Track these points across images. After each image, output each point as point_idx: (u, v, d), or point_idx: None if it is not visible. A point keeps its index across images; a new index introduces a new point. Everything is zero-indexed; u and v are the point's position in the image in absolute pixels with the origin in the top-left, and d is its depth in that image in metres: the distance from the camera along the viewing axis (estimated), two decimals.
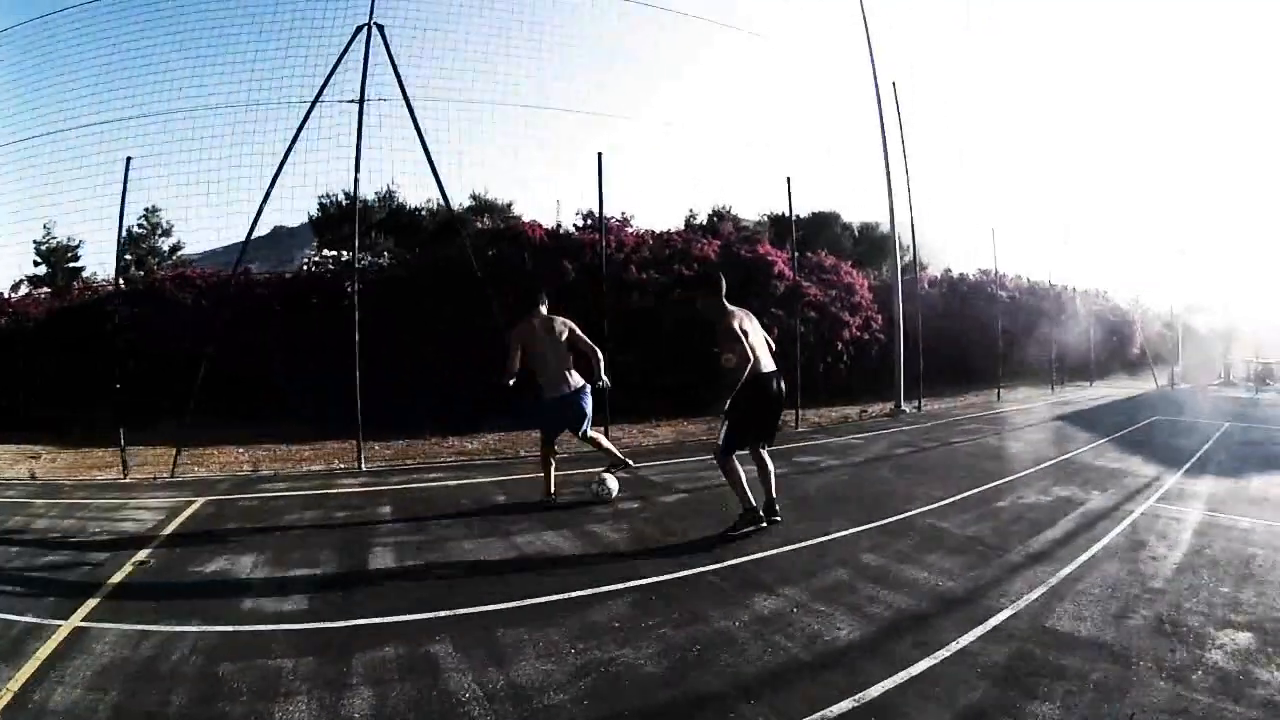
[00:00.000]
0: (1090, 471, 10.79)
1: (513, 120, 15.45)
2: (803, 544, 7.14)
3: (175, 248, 24.51)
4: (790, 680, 4.43)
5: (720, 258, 19.82)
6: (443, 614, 5.34)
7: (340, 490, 10.06)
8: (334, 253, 21.19)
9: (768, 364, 7.52)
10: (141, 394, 13.02)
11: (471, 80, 14.75)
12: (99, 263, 22.36)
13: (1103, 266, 43.51)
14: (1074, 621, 5.20)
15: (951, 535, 7.49)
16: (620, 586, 5.91)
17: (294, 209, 18.31)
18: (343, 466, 11.81)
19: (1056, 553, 6.85)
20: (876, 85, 19.65)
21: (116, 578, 6.30)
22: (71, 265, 23.20)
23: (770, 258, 20.46)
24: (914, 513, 8.36)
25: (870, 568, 6.48)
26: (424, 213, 22.70)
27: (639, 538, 7.46)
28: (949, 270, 29.31)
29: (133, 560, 6.77)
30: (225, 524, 8.28)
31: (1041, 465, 11.26)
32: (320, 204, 22.52)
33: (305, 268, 20.38)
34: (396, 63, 12.92)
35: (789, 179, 16.17)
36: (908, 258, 28.01)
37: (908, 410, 18.64)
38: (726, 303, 7.48)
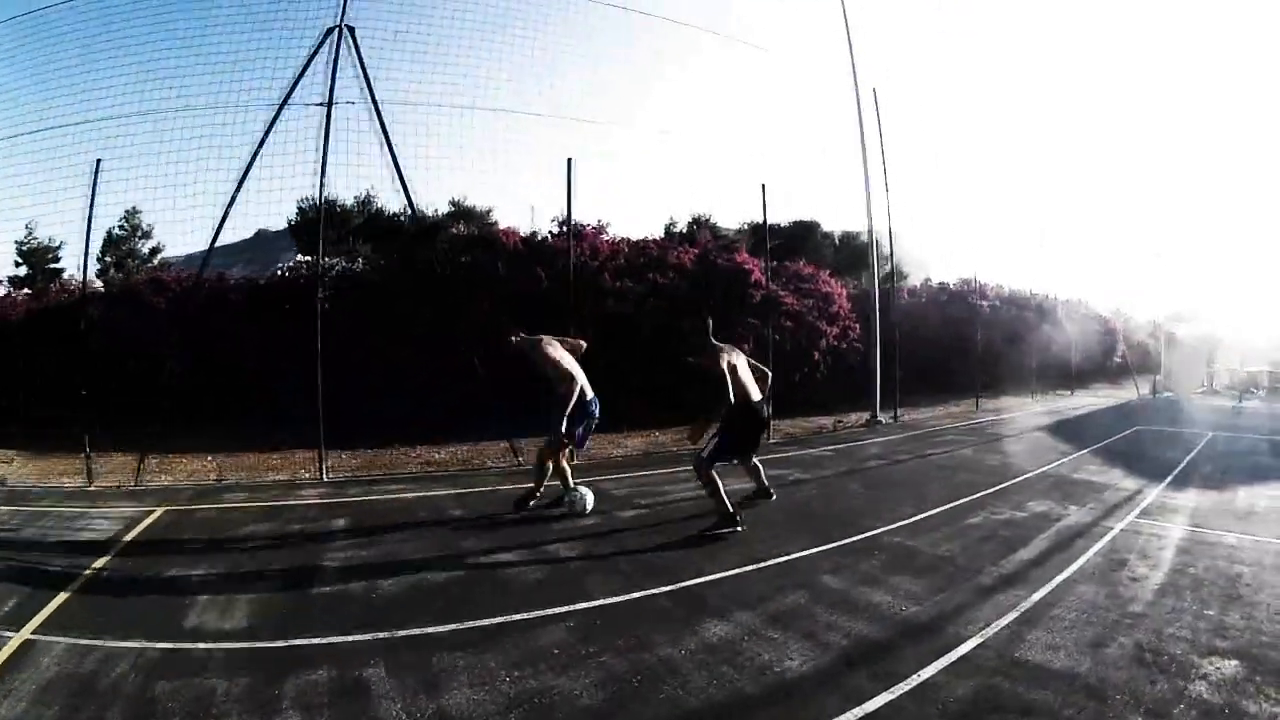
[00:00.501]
0: (1069, 485, 10.50)
1: (492, 126, 15.54)
2: (762, 564, 6.80)
3: (155, 249, 24.41)
4: (733, 716, 4.13)
5: (695, 266, 19.86)
6: (381, 636, 5.17)
7: (299, 502, 9.81)
8: (308, 258, 20.63)
9: (756, 392, 8.05)
10: (113, 399, 12.94)
11: (449, 85, 14.43)
12: (80, 264, 22.16)
13: (1085, 276, 43.57)
14: (1047, 651, 4.86)
15: (920, 555, 7.13)
16: (566, 609, 5.65)
17: (279, 213, 17.94)
18: (307, 476, 11.60)
19: (1030, 574, 6.50)
20: (857, 92, 19.48)
21: (69, 590, 6.22)
22: (52, 266, 23.02)
23: (747, 266, 20.30)
24: (882, 530, 8.01)
25: (831, 591, 6.13)
26: (403, 218, 22.26)
27: (592, 556, 7.14)
28: (928, 280, 29.42)
29: (87, 571, 6.72)
30: (181, 535, 8.12)
31: (1018, 478, 10.94)
32: (299, 209, 22.05)
33: (280, 273, 19.97)
34: (366, 66, 12.66)
35: (763, 186, 15.94)
36: (888, 267, 28.04)
37: (884, 421, 18.37)
38: (714, 341, 7.95)
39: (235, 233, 12.49)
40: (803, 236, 28.75)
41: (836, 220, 29.40)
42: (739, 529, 7.74)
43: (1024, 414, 21.42)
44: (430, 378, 15.37)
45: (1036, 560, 6.87)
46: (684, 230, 26.01)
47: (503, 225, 20.51)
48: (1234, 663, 4.66)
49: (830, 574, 6.53)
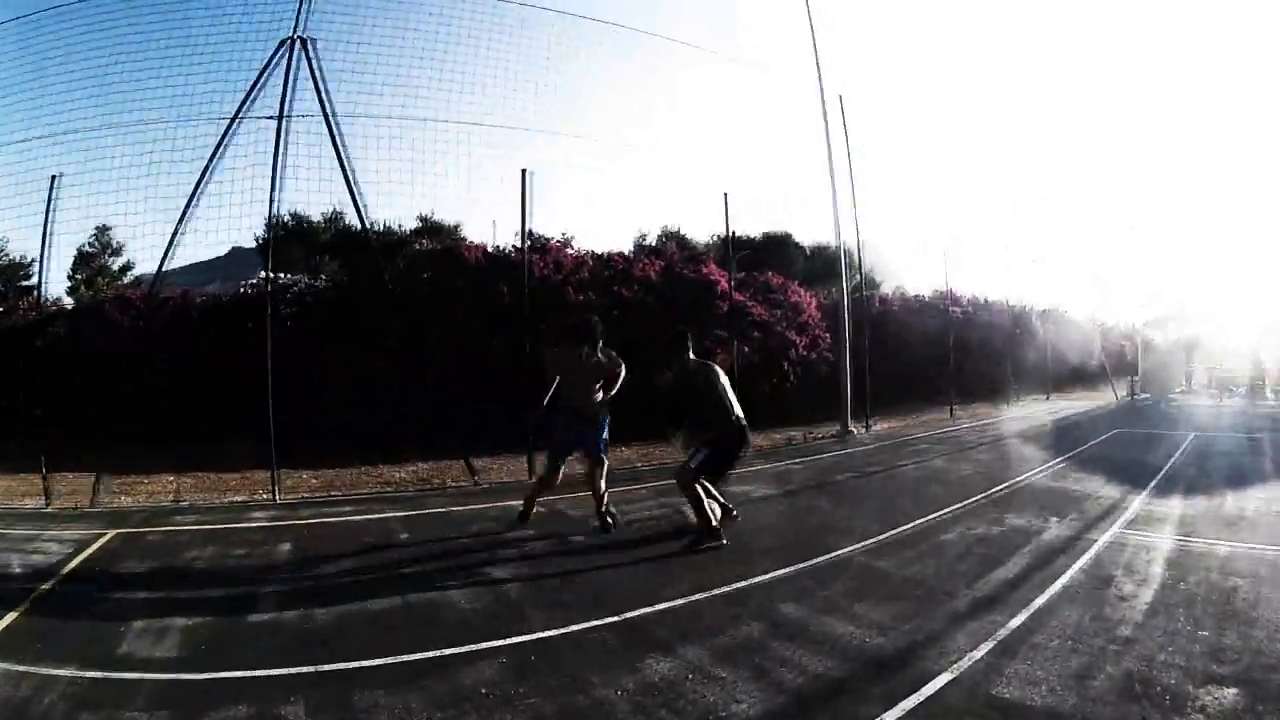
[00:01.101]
0: (1048, 496, 10.09)
1: (462, 140, 14.71)
2: (716, 591, 6.28)
3: (126, 266, 23.63)
4: None
5: (662, 279, 19.63)
6: (305, 670, 4.88)
7: (248, 525, 9.52)
8: (273, 275, 20.26)
9: (738, 409, 7.96)
10: (79, 417, 13.07)
11: (410, 98, 14.36)
12: (40, 280, 21.70)
13: (1062, 282, 43.44)
14: (1026, 686, 4.39)
15: (888, 577, 6.67)
16: (502, 644, 5.23)
17: (251, 228, 17.68)
18: (263, 497, 11.23)
19: (1008, 596, 6.04)
20: (823, 98, 19.35)
21: (13, 614, 6.05)
22: (25, 284, 21.89)
23: (713, 278, 20.07)
24: (849, 550, 7.53)
25: (789, 621, 5.64)
26: (370, 233, 21.84)
27: (538, 584, 6.76)
28: (900, 288, 29.18)
29: (33, 595, 6.58)
30: (127, 560, 7.90)
31: (994, 490, 10.49)
32: (266, 225, 21.64)
33: (243, 290, 19.60)
34: (322, 79, 12.61)
35: (725, 195, 15.79)
36: (859, 277, 27.79)
37: (856, 432, 18.00)
38: (691, 357, 8.11)
39: (210, 249, 13.13)
40: (774, 248, 28.42)
41: (809, 231, 29.04)
42: (722, 543, 7.56)
43: (1000, 421, 21.15)
44: (402, 390, 15.13)
45: (1015, 580, 6.43)
46: (654, 243, 25.73)
47: (475, 240, 20.23)
48: (1233, 691, 4.25)
49: (791, 601, 6.04)
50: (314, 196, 13.20)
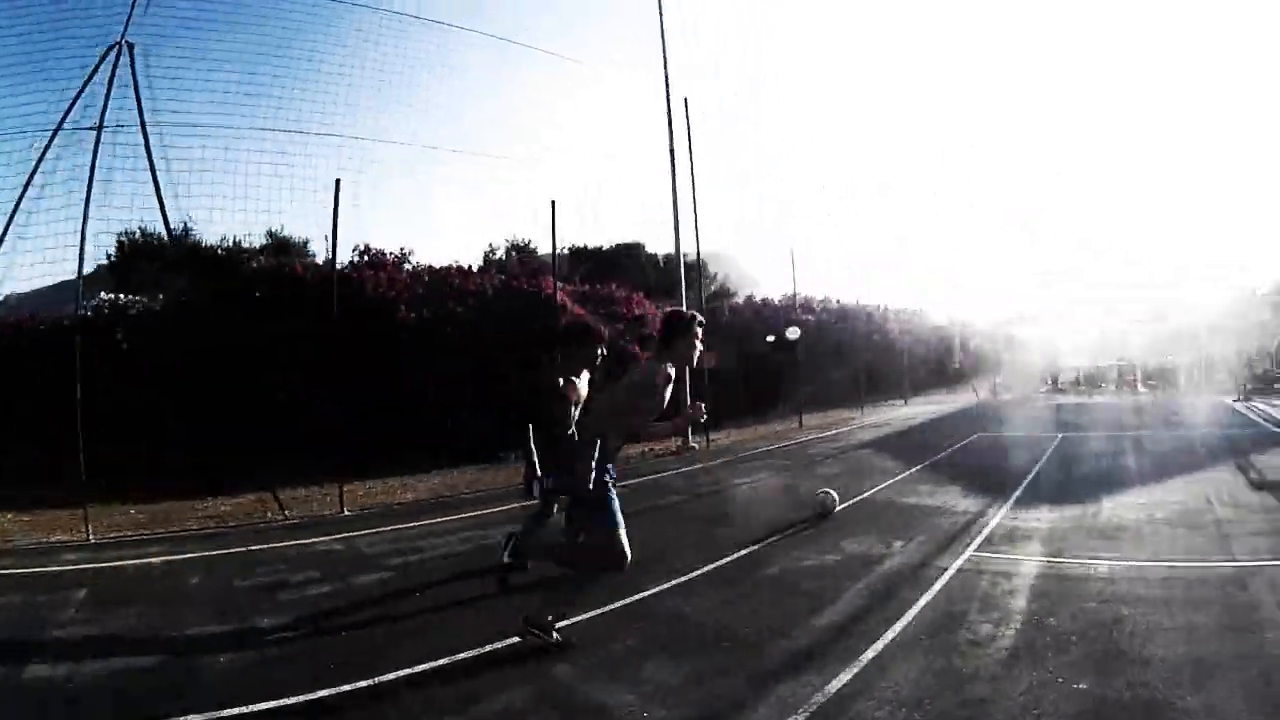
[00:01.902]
0: (895, 513, 9.16)
1: (309, 153, 14.74)
2: (488, 648, 5.11)
3: None
4: None
5: (498, 293, 19.29)
6: None
7: (53, 568, 8.40)
8: (112, 296, 19.39)
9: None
10: None
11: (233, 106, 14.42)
12: None
13: (922, 284, 43.86)
14: None
15: (692, 626, 5.47)
16: (232, 713, 4.32)
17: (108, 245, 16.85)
18: (81, 537, 10.09)
19: (834, 647, 4.85)
20: (668, 103, 19.33)
21: None
22: None
23: (550, 291, 19.05)
24: (655, 590, 6.32)
25: (560, 686, 4.53)
26: (222, 250, 21.05)
27: (304, 637, 5.74)
28: (752, 296, 29.10)
29: None
30: None
31: (834, 509, 9.36)
32: (119, 242, 20.63)
33: (84, 312, 18.08)
34: (139, 86, 12.39)
35: (553, 203, 15.47)
36: (716, 285, 29.22)
37: (697, 446, 17.19)
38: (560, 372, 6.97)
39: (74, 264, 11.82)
40: (619, 260, 28.19)
41: (663, 242, 28.92)
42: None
43: (851, 429, 20.50)
44: (240, 416, 14.52)
45: (845, 624, 5.28)
46: (502, 256, 26.07)
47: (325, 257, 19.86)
48: None
49: (567, 661, 4.84)
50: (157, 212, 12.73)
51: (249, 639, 5.72)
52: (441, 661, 4.92)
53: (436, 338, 17.18)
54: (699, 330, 5.10)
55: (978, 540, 7.65)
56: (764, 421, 21.78)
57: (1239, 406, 22.70)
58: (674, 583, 6.48)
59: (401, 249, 19.94)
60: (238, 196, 13.38)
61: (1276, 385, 27.70)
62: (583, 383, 6.91)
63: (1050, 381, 33.67)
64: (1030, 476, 11.16)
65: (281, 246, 22.29)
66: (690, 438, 17.38)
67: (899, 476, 11.75)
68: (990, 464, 12.66)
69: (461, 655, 4.99)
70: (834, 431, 19.61)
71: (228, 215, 12.15)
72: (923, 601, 5.70)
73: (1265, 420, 18.57)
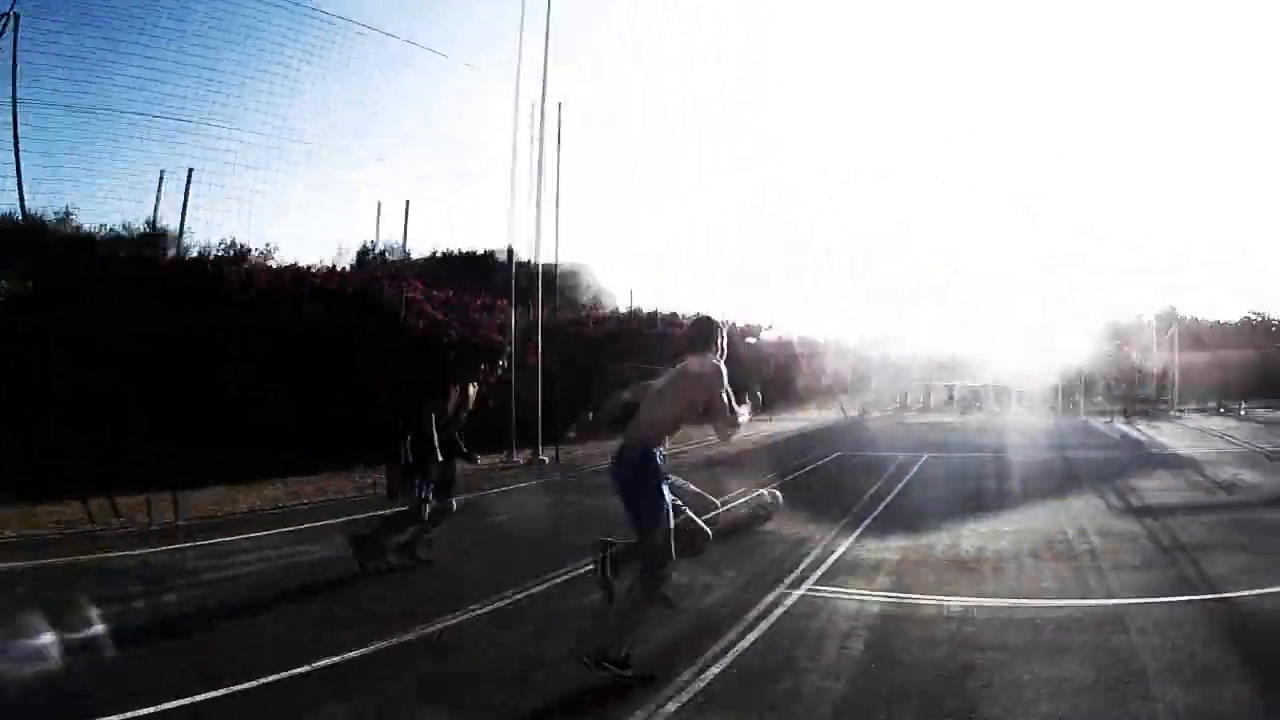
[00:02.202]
0: (731, 538, 8.18)
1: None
2: (229, 689, 4.26)
3: None
4: None
5: (354, 297, 18.77)
6: None
7: None
8: None
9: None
10: None
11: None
12: None
13: (792, 300, 44.06)
14: None
15: (448, 681, 4.62)
16: None
17: None
18: None
19: (625, 701, 4.04)
20: (542, 108, 19.17)
21: None
22: None
23: (410, 295, 19.67)
24: (439, 625, 5.50)
25: None
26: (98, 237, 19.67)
27: (45, 676, 4.67)
28: (616, 308, 28.92)
29: None
30: None
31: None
32: None
33: None
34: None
35: (379, 204, 16.74)
36: (589, 297, 28.30)
37: (547, 460, 16.56)
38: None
39: None
40: (491, 266, 27.72)
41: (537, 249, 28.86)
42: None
43: (705, 445, 18.81)
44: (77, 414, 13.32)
45: (647, 671, 4.42)
46: (369, 258, 25.66)
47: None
48: None
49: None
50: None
51: None
52: (166, 706, 4.06)
53: (292, 338, 16.38)
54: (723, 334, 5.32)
55: (818, 572, 7.02)
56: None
57: (1118, 427, 23.12)
58: (462, 616, 5.72)
59: (267, 244, 19.61)
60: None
61: (1160, 405, 28.35)
62: (463, 393, 7.55)
63: (922, 400, 33.82)
64: (887, 500, 10.71)
65: (153, 238, 20.15)
66: (540, 450, 16.88)
67: (745, 499, 10.67)
68: (845, 486, 12.20)
69: (195, 698, 4.15)
70: (686, 447, 18.15)
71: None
72: (744, 645, 4.99)
73: (1141, 441, 18.80)
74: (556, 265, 19.89)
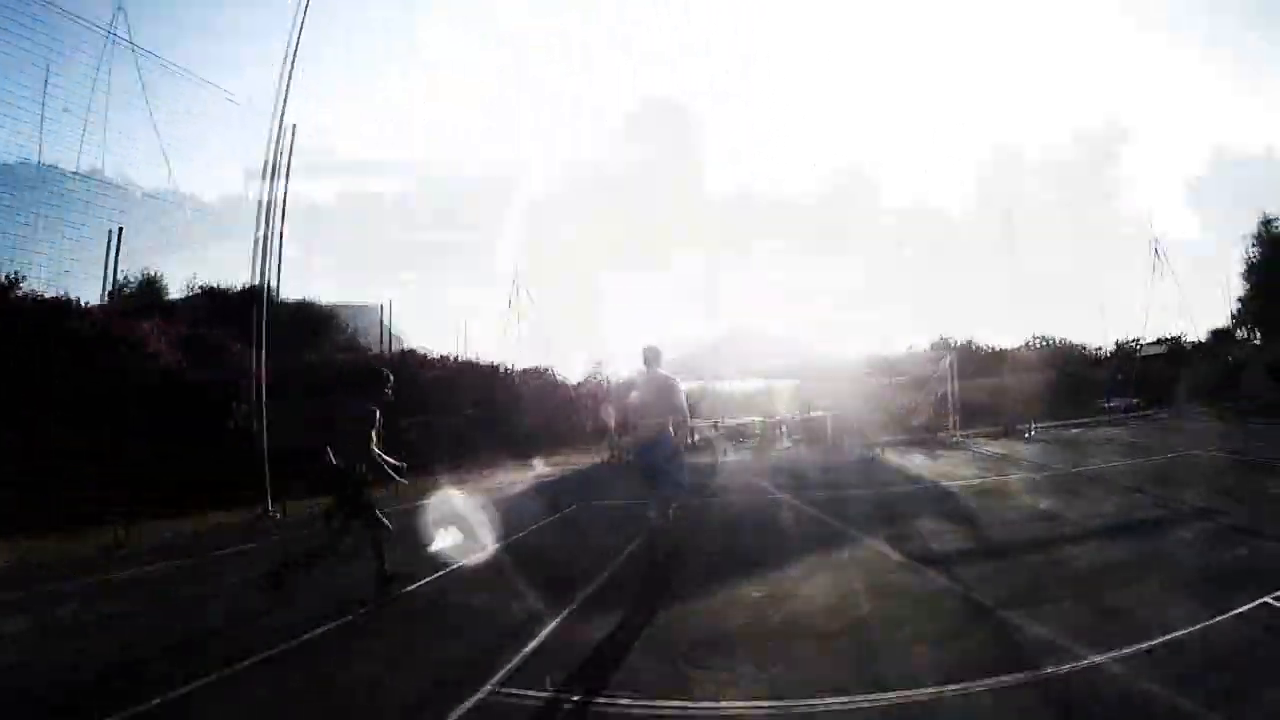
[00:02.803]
0: (422, 619, 7.37)
1: None
2: None
3: None
4: None
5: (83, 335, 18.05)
6: None
7: None
8: None
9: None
10: None
11: None
12: None
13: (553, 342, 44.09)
14: None
15: None
16: None
17: None
18: None
19: None
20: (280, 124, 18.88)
21: None
22: None
23: (138, 334, 19.40)
24: None
25: None
26: None
27: None
28: (370, 348, 29.65)
29: None
30: None
31: (308, 634, 6.87)
32: None
33: None
34: None
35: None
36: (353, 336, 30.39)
37: (276, 515, 15.59)
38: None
39: None
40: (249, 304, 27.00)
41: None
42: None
43: (442, 498, 15.62)
44: None
45: None
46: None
47: None
48: None
49: None
50: None
51: None
52: None
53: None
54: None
55: (509, 666, 5.67)
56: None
57: (893, 460, 22.58)
58: None
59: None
60: None
61: (939, 434, 29.35)
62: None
63: (713, 430, 33.40)
64: (618, 561, 9.32)
65: None
66: (270, 506, 15.73)
67: (459, 565, 9.47)
68: (575, 544, 10.99)
69: None
70: (426, 500, 14.43)
71: None
72: None
73: (921, 477, 17.11)
74: (271, 295, 19.03)
